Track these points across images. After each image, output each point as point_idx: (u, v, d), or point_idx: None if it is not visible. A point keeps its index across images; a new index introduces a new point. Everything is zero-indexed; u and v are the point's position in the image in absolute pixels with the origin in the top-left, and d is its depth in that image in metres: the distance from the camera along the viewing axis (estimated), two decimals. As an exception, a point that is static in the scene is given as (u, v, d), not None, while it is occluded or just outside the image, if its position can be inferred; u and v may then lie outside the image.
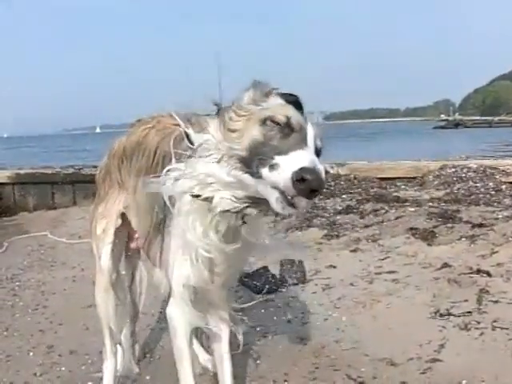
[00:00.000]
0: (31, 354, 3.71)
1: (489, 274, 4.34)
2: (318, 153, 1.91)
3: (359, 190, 7.82)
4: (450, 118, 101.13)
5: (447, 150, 21.37)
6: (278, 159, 1.79)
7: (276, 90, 2.05)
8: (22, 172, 9.25)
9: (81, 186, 8.79)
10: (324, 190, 7.63)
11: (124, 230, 2.83)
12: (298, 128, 1.89)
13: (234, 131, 1.94)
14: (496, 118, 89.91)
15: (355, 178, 8.32)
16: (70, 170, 9.14)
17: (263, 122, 1.90)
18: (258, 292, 4.40)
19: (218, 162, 1.93)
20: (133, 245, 2.90)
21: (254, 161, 1.85)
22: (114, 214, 2.75)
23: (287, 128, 1.88)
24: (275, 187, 1.79)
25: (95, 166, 8.63)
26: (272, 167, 1.79)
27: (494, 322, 3.58)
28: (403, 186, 7.94)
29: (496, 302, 3.89)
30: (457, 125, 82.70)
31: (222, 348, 2.53)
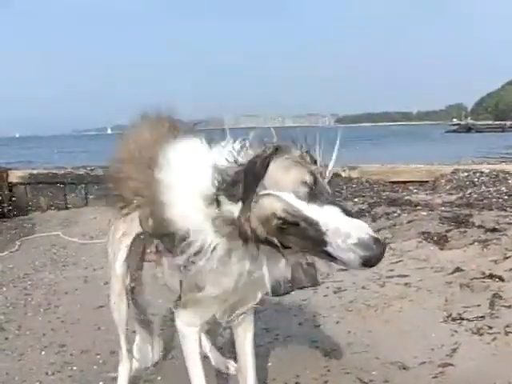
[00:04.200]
0: (43, 353, 3.74)
1: (501, 279, 4.31)
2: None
3: (371, 193, 7.80)
4: (462, 122, 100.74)
5: (459, 153, 21.27)
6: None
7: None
8: (34, 172, 9.29)
9: (93, 186, 8.83)
10: (336, 194, 7.64)
11: (141, 238, 2.79)
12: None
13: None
14: (508, 123, 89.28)
15: (367, 181, 8.31)
16: (82, 171, 9.17)
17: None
18: (270, 294, 4.39)
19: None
20: (149, 254, 2.87)
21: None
22: (135, 221, 2.70)
23: None
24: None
25: (107, 167, 8.66)
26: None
27: (507, 326, 3.55)
28: (415, 190, 7.90)
29: (509, 306, 3.85)
30: (469, 129, 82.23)
31: (246, 348, 2.56)
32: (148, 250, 2.68)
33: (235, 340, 2.60)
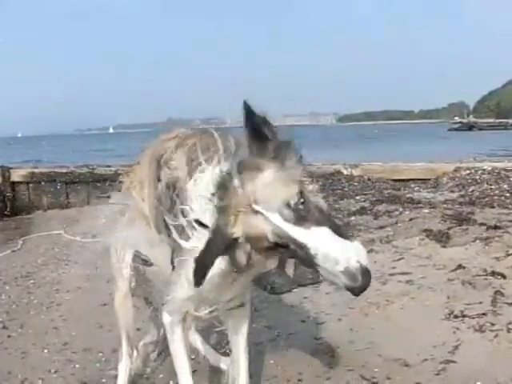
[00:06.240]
0: (46, 351, 3.75)
1: (503, 276, 4.30)
2: None
3: (373, 191, 7.81)
4: (464, 121, 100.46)
5: (462, 151, 21.24)
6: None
7: None
8: (36, 171, 9.31)
9: (95, 185, 8.85)
10: (338, 192, 7.63)
11: None
12: None
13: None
14: (510, 121, 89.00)
15: (369, 179, 8.31)
16: (85, 170, 9.18)
17: None
18: (272, 292, 4.39)
19: None
20: None
21: None
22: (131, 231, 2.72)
23: None
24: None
25: (109, 166, 8.70)
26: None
27: (509, 323, 3.55)
28: (417, 188, 7.91)
29: (511, 304, 3.85)
30: (471, 127, 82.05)
31: (240, 343, 2.55)
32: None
33: (228, 334, 2.60)
